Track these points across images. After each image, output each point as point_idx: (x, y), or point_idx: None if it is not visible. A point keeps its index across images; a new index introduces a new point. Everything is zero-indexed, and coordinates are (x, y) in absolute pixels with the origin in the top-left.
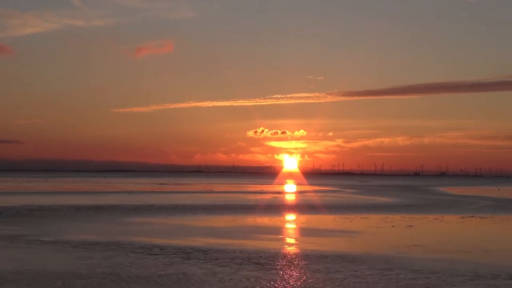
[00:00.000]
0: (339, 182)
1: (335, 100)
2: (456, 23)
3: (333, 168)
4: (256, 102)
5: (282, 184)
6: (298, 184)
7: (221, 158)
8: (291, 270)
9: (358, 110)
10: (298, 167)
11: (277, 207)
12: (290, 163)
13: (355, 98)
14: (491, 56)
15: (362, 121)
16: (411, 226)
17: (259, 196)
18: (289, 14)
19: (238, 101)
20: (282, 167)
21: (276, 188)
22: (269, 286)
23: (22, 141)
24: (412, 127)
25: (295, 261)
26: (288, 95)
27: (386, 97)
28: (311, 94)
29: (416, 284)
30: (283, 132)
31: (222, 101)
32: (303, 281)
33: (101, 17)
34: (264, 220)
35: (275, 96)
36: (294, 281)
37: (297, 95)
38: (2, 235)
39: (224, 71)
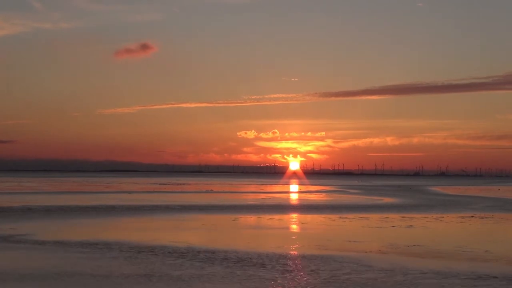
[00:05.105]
0: (339, 182)
1: (314, 101)
2: (427, 25)
3: (333, 168)
4: (237, 103)
5: (283, 184)
6: (298, 184)
7: (215, 158)
8: (290, 270)
9: (341, 111)
10: (300, 167)
11: (278, 207)
12: (289, 163)
13: (333, 98)
14: (462, 58)
15: (348, 121)
16: (411, 226)
17: (259, 196)
18: (261, 15)
19: (218, 101)
20: (280, 167)
21: (276, 188)
22: (267, 285)
23: (14, 141)
24: (399, 127)
25: (294, 261)
26: (266, 96)
27: (363, 97)
28: (289, 95)
29: (416, 284)
30: (274, 132)
31: (202, 103)
32: (302, 282)
33: (66, 20)
34: (264, 219)
35: (253, 97)
36: (293, 281)
37: (275, 96)
38: None
39: (201, 73)
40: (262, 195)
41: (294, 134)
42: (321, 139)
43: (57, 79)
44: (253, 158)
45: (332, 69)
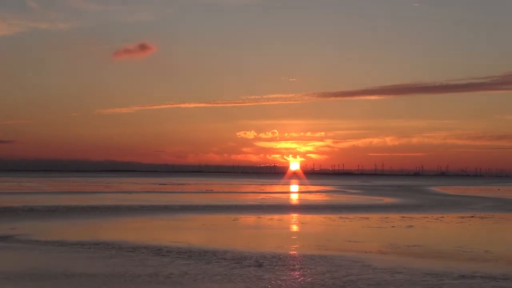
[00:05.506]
0: (339, 182)
1: (313, 101)
2: (426, 25)
3: (333, 168)
4: (236, 103)
5: (283, 184)
6: (298, 184)
7: (215, 158)
8: (289, 270)
9: (341, 111)
10: (300, 167)
11: (278, 207)
12: (289, 163)
13: (332, 98)
14: (461, 58)
15: (347, 122)
16: (411, 226)
17: (259, 196)
18: (260, 15)
19: (217, 102)
20: (280, 167)
21: (276, 188)
22: (266, 285)
23: (14, 141)
24: (398, 127)
25: (293, 261)
26: (265, 96)
27: (363, 97)
28: (288, 95)
29: (416, 284)
30: (273, 133)
31: (201, 103)
32: (300, 281)
33: (63, 20)
34: (264, 219)
35: (252, 97)
36: (293, 281)
37: (274, 96)
38: None
39: (200, 73)
40: (262, 195)
41: (294, 134)
42: (321, 139)
43: (56, 79)
44: (253, 158)
45: (331, 69)
